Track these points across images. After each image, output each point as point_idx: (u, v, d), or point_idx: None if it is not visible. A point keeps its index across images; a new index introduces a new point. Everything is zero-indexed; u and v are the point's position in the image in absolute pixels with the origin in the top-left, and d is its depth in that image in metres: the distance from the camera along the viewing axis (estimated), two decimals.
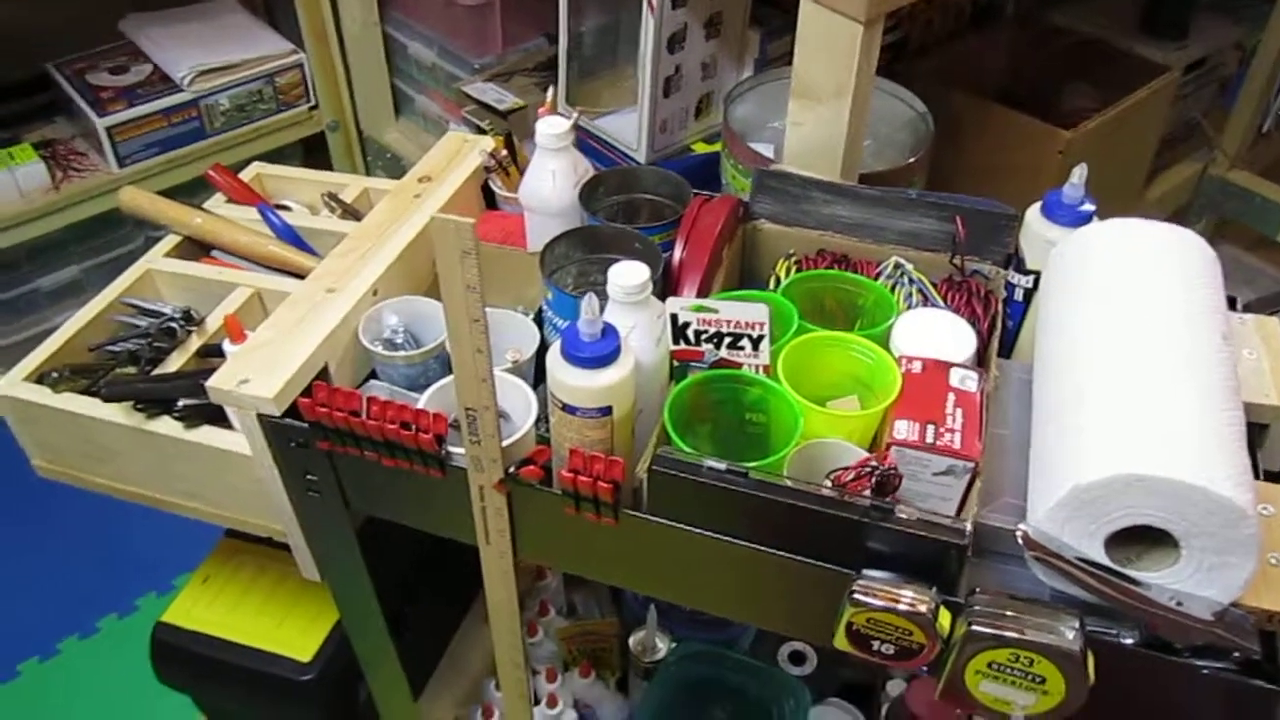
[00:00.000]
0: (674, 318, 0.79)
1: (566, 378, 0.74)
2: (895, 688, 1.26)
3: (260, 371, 0.84)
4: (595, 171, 1.01)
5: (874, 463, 0.71)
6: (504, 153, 1.06)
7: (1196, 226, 2.12)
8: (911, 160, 1.42)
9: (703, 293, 0.91)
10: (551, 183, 0.97)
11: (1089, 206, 0.88)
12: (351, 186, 1.19)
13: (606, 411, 0.75)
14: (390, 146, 2.11)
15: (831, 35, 1.11)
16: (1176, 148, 2.05)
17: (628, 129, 1.68)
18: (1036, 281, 0.90)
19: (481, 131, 1.80)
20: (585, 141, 1.78)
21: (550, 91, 1.08)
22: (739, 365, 0.81)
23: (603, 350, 0.74)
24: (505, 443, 0.79)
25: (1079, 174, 0.87)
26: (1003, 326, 0.92)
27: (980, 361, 0.88)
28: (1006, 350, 0.95)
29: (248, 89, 2.05)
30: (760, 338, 0.78)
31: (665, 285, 0.92)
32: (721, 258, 0.96)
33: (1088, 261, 0.82)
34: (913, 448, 0.76)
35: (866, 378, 0.85)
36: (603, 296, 0.80)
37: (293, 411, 0.83)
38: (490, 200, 1.10)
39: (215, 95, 2.02)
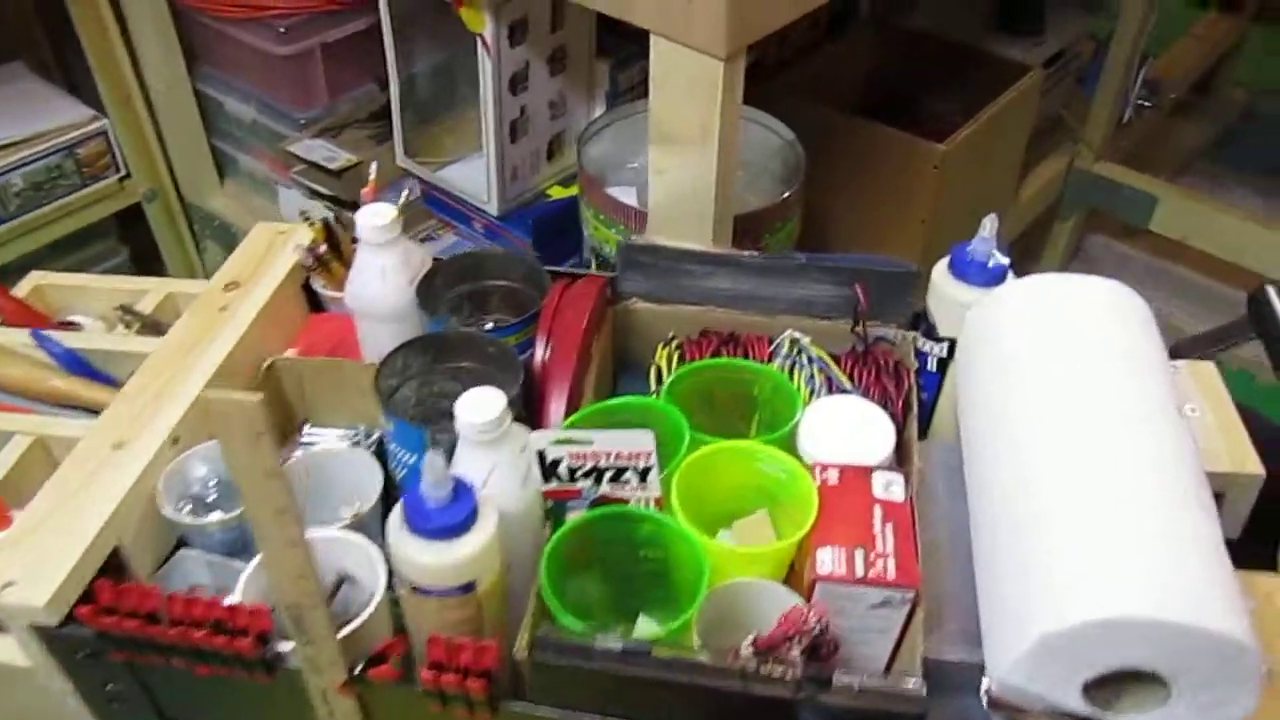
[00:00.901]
0: (540, 455, 0.65)
1: (414, 554, 0.60)
2: None
3: (29, 570, 0.67)
4: (432, 262, 0.86)
5: (805, 622, 0.58)
6: (323, 248, 0.90)
7: (1068, 222, 2.09)
8: (787, 195, 1.31)
9: (572, 402, 0.77)
10: (381, 282, 0.82)
11: (1001, 259, 0.77)
12: (152, 293, 1.01)
13: (469, 588, 0.61)
14: (217, 213, 1.91)
15: (690, 75, 0.98)
16: (1043, 143, 2.00)
17: (475, 178, 1.53)
18: (951, 349, 0.79)
19: (316, 195, 1.62)
20: (432, 194, 1.63)
21: (373, 170, 0.93)
22: (625, 500, 0.67)
23: (456, 517, 0.59)
24: (350, 627, 0.63)
25: (989, 226, 0.76)
26: (918, 403, 0.80)
27: (899, 448, 0.76)
28: (923, 426, 0.83)
29: (45, 164, 1.81)
30: (647, 469, 0.65)
31: (527, 394, 0.78)
32: (591, 354, 0.82)
33: (1010, 328, 0.71)
34: (842, 582, 0.64)
35: (775, 490, 0.72)
36: (451, 431, 0.66)
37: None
38: (314, 298, 0.94)
39: (6, 174, 1.78)
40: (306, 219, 0.93)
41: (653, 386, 0.83)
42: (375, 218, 0.80)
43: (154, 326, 0.97)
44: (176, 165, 1.91)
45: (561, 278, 0.85)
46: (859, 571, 0.64)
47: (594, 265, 1.40)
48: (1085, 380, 0.65)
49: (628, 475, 0.65)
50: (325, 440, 0.89)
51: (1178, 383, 0.78)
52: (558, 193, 1.56)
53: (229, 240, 1.91)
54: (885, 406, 0.80)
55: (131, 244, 2.01)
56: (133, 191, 1.91)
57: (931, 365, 0.82)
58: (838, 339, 0.85)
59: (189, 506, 0.76)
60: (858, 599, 0.65)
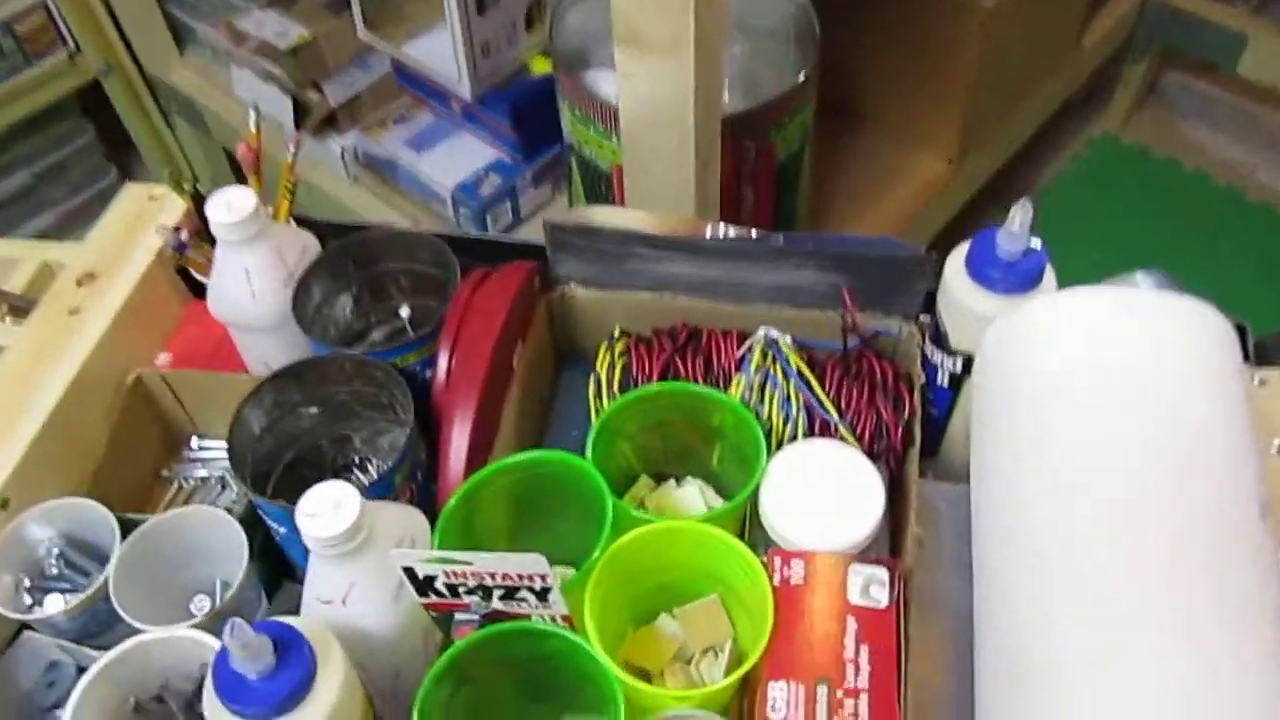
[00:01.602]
0: (409, 573, 0.50)
1: None
2: None
3: None
4: (319, 251, 0.69)
5: None
6: (187, 231, 0.73)
7: (1140, 64, 1.80)
8: (801, 80, 1.09)
9: (478, 435, 0.61)
10: (245, 286, 0.65)
11: (1034, 250, 0.58)
12: (25, 264, 0.85)
13: None
14: (179, 88, 1.72)
15: None
16: None
17: (443, 55, 1.31)
18: (967, 366, 0.61)
19: (270, 78, 1.43)
20: (402, 75, 1.42)
21: (252, 118, 0.75)
22: (524, 616, 0.52)
23: (281, 690, 0.45)
24: None
25: (1019, 217, 0.56)
26: (923, 427, 0.63)
27: (896, 493, 0.60)
28: (932, 446, 0.67)
29: None
30: (545, 590, 0.50)
31: (425, 419, 0.63)
32: (511, 368, 0.66)
33: (1036, 371, 0.53)
34: None
35: (727, 577, 0.57)
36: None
37: None
38: (195, 284, 0.78)
39: None
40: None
41: (591, 403, 0.67)
42: (228, 211, 0.63)
43: (24, 308, 0.82)
44: (132, 37, 1.71)
45: (479, 270, 0.68)
46: (820, 716, 0.49)
47: (573, 167, 1.21)
48: (1142, 465, 0.47)
49: (522, 594, 0.50)
50: (218, 454, 0.76)
51: (1260, 401, 0.60)
52: (541, 67, 1.34)
53: (196, 118, 1.73)
54: (880, 439, 0.63)
55: (99, 124, 1.84)
56: (85, 68, 1.72)
57: (942, 380, 0.64)
58: (827, 330, 0.68)
59: (27, 584, 0.63)
60: None
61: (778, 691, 0.50)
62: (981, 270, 0.58)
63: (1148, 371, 0.50)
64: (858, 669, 0.51)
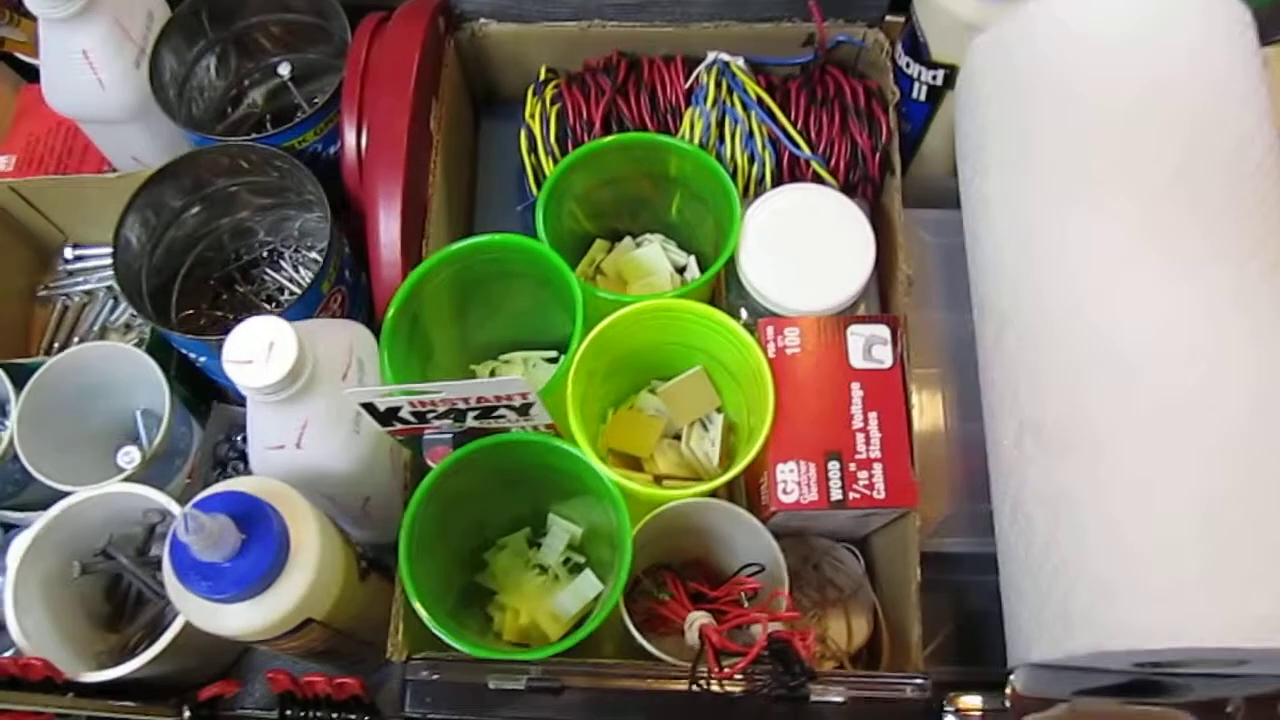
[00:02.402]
0: (370, 408, 0.44)
1: (209, 618, 0.42)
2: None
3: None
4: (165, 13, 0.56)
5: (770, 643, 0.42)
6: None
7: None
8: None
9: (408, 219, 0.53)
10: (90, 75, 0.53)
11: None
12: None
13: (304, 625, 0.44)
14: None
15: None
16: None
17: None
18: (949, 79, 0.54)
19: None
20: None
21: None
22: (502, 430, 0.47)
23: (252, 573, 0.40)
24: (158, 647, 0.47)
25: None
26: (899, 147, 0.57)
27: (878, 225, 0.55)
28: (905, 162, 0.61)
29: None
30: (528, 405, 0.44)
31: (340, 215, 0.55)
32: (429, 133, 0.57)
33: (1040, 78, 0.46)
34: (811, 509, 0.47)
35: (710, 348, 0.52)
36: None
37: None
38: (23, 68, 0.64)
39: None
40: None
41: (525, 159, 0.59)
42: None
43: None
44: None
45: (372, 16, 0.57)
46: (834, 493, 0.47)
47: None
48: (1171, 172, 0.43)
49: (500, 412, 0.45)
50: (99, 262, 0.66)
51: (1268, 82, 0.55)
52: None
53: None
54: (855, 168, 0.57)
55: None
56: None
57: (919, 93, 0.57)
58: (782, 47, 0.59)
59: None
60: (830, 517, 0.49)
61: (787, 471, 0.47)
62: None
63: (1172, 65, 0.44)
64: (868, 438, 0.48)
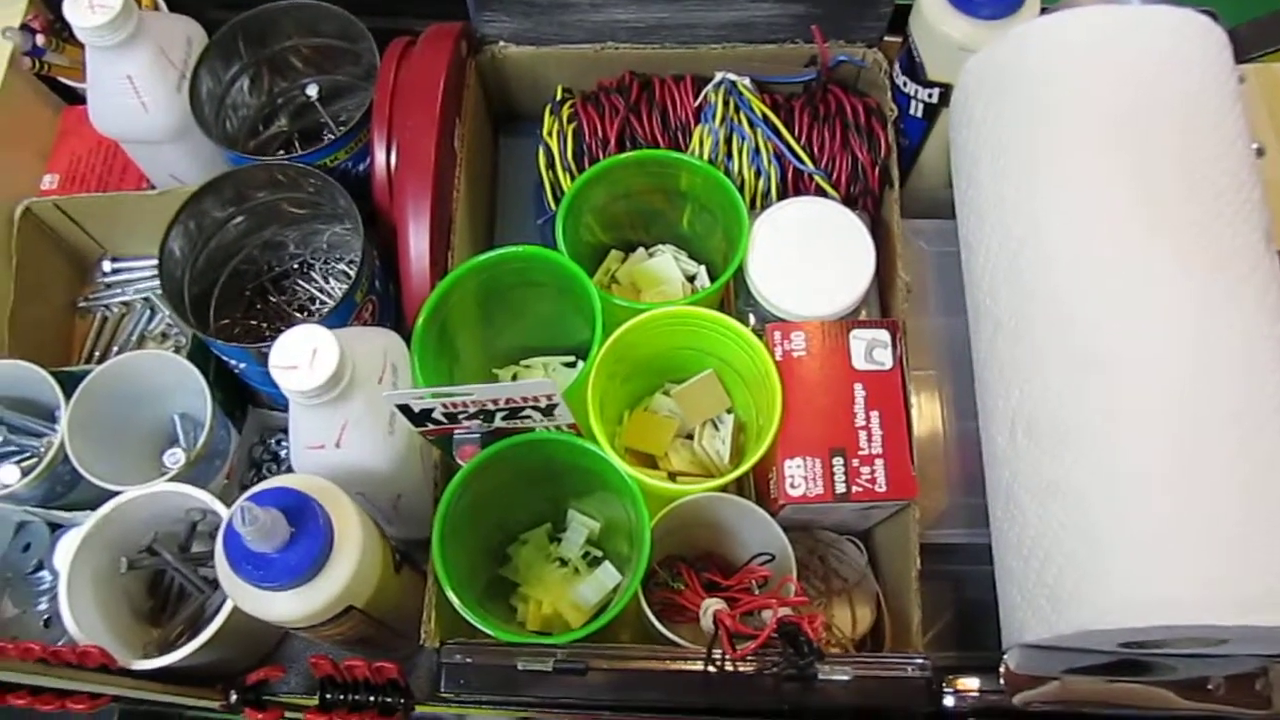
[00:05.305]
0: (405, 409, 0.47)
1: (258, 604, 0.45)
2: None
3: None
4: (203, 39, 0.60)
5: (780, 623, 0.45)
6: (39, 33, 0.62)
7: None
8: None
9: (436, 230, 0.56)
10: (134, 99, 0.57)
11: None
12: None
13: (345, 612, 0.47)
14: None
15: None
16: None
17: None
18: (944, 97, 0.58)
19: None
20: None
21: None
22: (528, 429, 0.50)
23: (300, 563, 0.43)
24: (202, 638, 0.50)
25: None
26: (898, 161, 0.60)
27: (879, 238, 0.58)
28: (902, 174, 0.64)
29: None
30: (552, 405, 0.48)
31: (370, 228, 0.58)
32: (455, 151, 0.60)
33: (1029, 96, 0.50)
34: (817, 502, 0.50)
35: (722, 352, 0.55)
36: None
37: None
38: (64, 91, 0.68)
39: None
40: None
41: (544, 175, 0.62)
42: (91, 12, 0.53)
43: None
44: None
45: (399, 40, 0.60)
46: (839, 487, 0.50)
47: None
48: (1146, 185, 0.46)
49: (527, 412, 0.48)
50: (137, 274, 0.69)
51: (1244, 99, 0.58)
52: None
53: None
54: (856, 181, 0.60)
55: None
56: None
57: (916, 110, 0.60)
58: (786, 67, 0.63)
59: None
60: (834, 509, 0.52)
61: (795, 467, 0.50)
62: None
63: (1146, 85, 0.47)
64: (870, 435, 0.51)
